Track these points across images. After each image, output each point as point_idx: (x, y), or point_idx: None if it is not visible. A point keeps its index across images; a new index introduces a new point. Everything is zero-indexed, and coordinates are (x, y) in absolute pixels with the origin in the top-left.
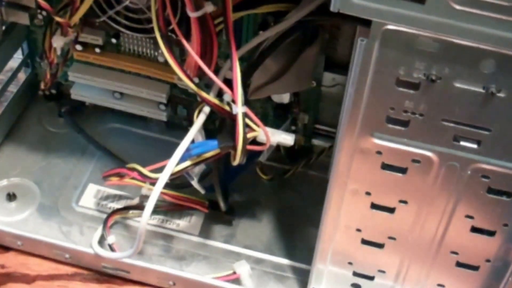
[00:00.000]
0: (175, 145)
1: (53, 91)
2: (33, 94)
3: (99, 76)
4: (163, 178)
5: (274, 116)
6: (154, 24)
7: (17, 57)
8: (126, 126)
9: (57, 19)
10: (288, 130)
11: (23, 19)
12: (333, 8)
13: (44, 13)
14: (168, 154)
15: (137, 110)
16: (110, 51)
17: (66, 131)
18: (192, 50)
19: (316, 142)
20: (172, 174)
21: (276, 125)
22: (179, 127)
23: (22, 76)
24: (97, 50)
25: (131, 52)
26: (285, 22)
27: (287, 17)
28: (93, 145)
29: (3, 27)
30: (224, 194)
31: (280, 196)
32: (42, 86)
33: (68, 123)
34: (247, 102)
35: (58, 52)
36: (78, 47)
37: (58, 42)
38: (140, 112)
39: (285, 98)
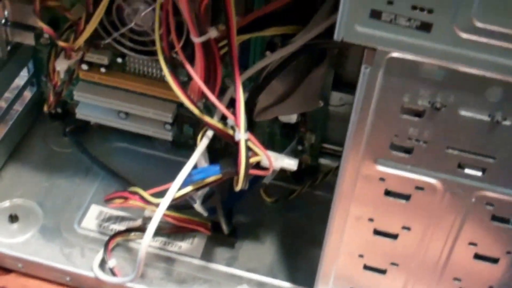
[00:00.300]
0: (180, 165)
1: (59, 110)
2: (38, 113)
3: (105, 95)
4: (165, 203)
5: (281, 135)
6: (158, 49)
7: (24, 75)
8: (131, 145)
9: (61, 44)
10: (294, 150)
11: (28, 39)
12: (337, 36)
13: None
14: (173, 174)
15: (142, 129)
16: (116, 70)
17: (70, 150)
18: (195, 75)
19: (323, 161)
20: (173, 199)
21: (283, 145)
22: (185, 145)
23: (28, 94)
24: (103, 69)
25: (137, 71)
26: (292, 45)
27: (293, 40)
28: (97, 165)
29: (8, 47)
30: (228, 216)
31: (285, 217)
32: (45, 108)
33: (72, 142)
34: (253, 124)
35: (62, 76)
36: (84, 66)
37: (61, 65)
38: (145, 132)
39: (293, 117)
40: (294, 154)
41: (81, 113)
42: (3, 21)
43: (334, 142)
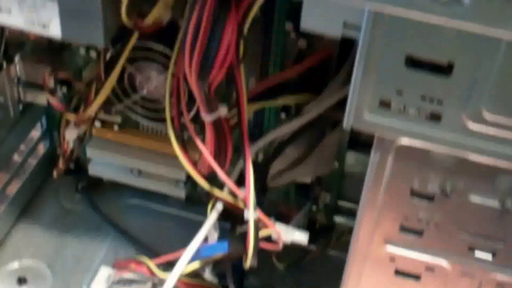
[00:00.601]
0: (194, 223)
1: (71, 166)
2: (51, 168)
3: (118, 152)
4: (172, 279)
5: (296, 194)
6: (168, 123)
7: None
8: (144, 201)
9: (69, 117)
10: (309, 211)
11: (40, 99)
12: (346, 125)
13: (64, 88)
14: (187, 232)
15: (155, 187)
16: (129, 127)
17: (82, 207)
18: (205, 150)
19: (338, 219)
20: (181, 275)
21: (298, 204)
22: (199, 202)
23: (41, 147)
24: (116, 127)
25: (150, 129)
26: (305, 116)
27: (307, 110)
28: (108, 224)
29: (21, 106)
30: (239, 280)
31: (297, 279)
32: (54, 174)
33: (84, 199)
34: (266, 189)
35: (71, 146)
36: (97, 123)
37: (71, 135)
38: (158, 189)
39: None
40: (308, 214)
41: (93, 170)
42: (15, 80)
43: (350, 199)
